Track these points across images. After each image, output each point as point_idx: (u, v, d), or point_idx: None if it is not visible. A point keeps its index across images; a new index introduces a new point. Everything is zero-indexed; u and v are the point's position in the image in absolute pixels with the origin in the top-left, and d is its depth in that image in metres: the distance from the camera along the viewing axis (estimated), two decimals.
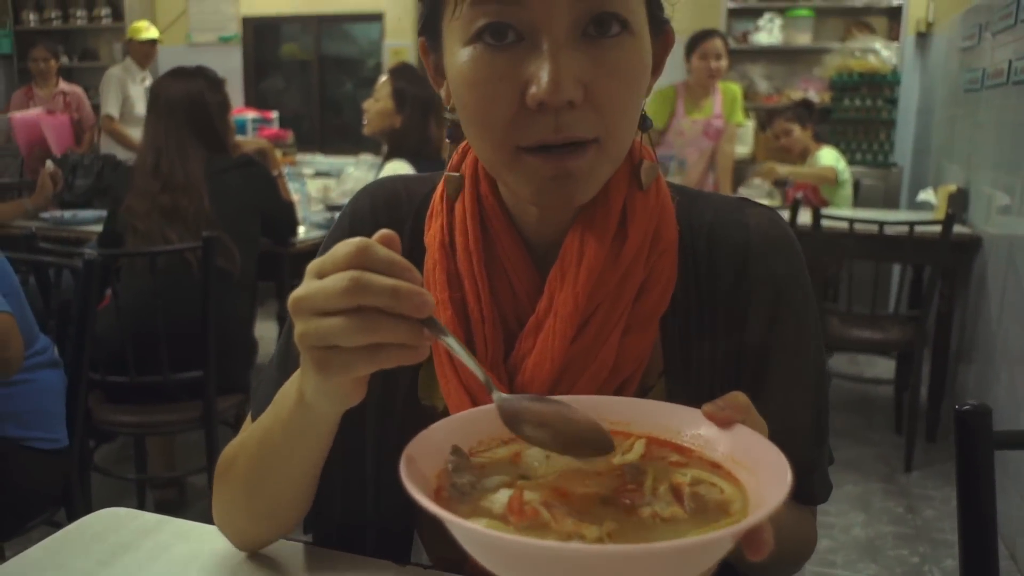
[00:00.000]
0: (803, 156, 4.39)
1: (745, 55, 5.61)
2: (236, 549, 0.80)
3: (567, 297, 0.72)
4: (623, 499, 0.53)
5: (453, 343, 0.57)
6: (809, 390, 0.80)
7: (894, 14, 5.40)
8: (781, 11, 5.49)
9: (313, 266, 0.57)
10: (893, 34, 5.41)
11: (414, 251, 0.81)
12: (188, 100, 2.58)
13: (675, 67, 5.12)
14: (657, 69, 0.75)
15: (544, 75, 0.63)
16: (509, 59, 0.65)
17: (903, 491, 3.08)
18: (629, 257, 0.74)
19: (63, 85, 5.67)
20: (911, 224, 3.20)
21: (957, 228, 3.46)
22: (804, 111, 4.41)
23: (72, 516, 1.79)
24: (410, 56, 6.38)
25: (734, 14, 5.58)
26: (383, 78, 2.99)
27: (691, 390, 0.57)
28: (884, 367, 4.45)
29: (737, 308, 0.77)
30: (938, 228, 3.18)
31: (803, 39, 5.49)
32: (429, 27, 0.74)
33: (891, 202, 4.99)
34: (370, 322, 0.53)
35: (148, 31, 5.34)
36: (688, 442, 0.58)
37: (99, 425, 2.37)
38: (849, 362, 4.65)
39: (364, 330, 0.54)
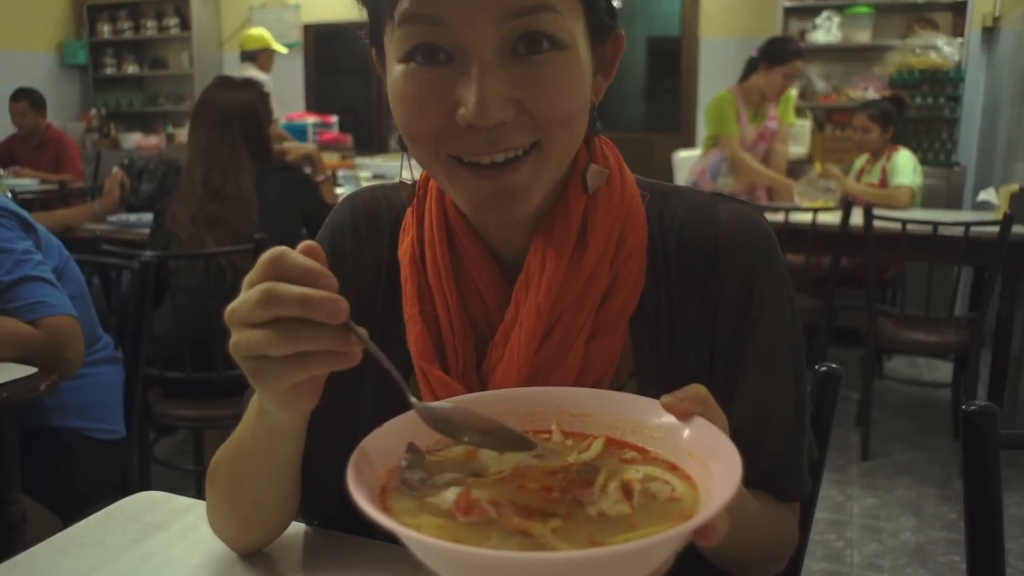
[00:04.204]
0: (875, 156, 4.17)
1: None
2: None
3: (530, 308, 0.74)
4: (572, 496, 0.53)
5: (372, 347, 0.58)
6: (786, 387, 0.80)
7: (959, 9, 5.23)
8: (839, 9, 5.38)
9: (246, 278, 0.59)
10: (958, 30, 5.25)
11: (392, 261, 0.83)
12: (244, 111, 2.62)
13: (728, 70, 5.09)
14: (609, 73, 0.76)
15: (471, 98, 0.65)
16: (439, 78, 0.67)
17: (958, 496, 3.01)
18: (591, 265, 0.75)
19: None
20: (967, 225, 3.13)
21: (1019, 228, 3.37)
22: (891, 111, 4.13)
23: None
24: None
25: (791, 12, 5.48)
26: None
27: (662, 389, 0.58)
28: (944, 371, 4.35)
29: (708, 306, 0.78)
30: (996, 229, 3.11)
31: (862, 37, 5.37)
32: (376, 40, 0.75)
33: (954, 202, 4.86)
34: (291, 332, 0.55)
35: (270, 40, 5.32)
36: (647, 436, 0.59)
37: (159, 419, 2.49)
38: (909, 365, 4.55)
39: (286, 340, 0.55)
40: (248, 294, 0.57)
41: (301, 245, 0.59)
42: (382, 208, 0.87)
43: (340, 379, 0.65)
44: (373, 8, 0.72)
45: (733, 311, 0.78)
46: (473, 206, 0.71)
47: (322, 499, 0.83)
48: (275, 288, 0.55)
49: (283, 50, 5.39)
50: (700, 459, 0.55)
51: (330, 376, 0.62)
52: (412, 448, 0.58)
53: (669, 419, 0.58)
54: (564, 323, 0.74)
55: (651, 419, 0.59)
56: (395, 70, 0.69)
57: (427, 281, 0.79)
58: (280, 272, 0.56)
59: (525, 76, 0.66)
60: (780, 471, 0.81)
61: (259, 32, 5.31)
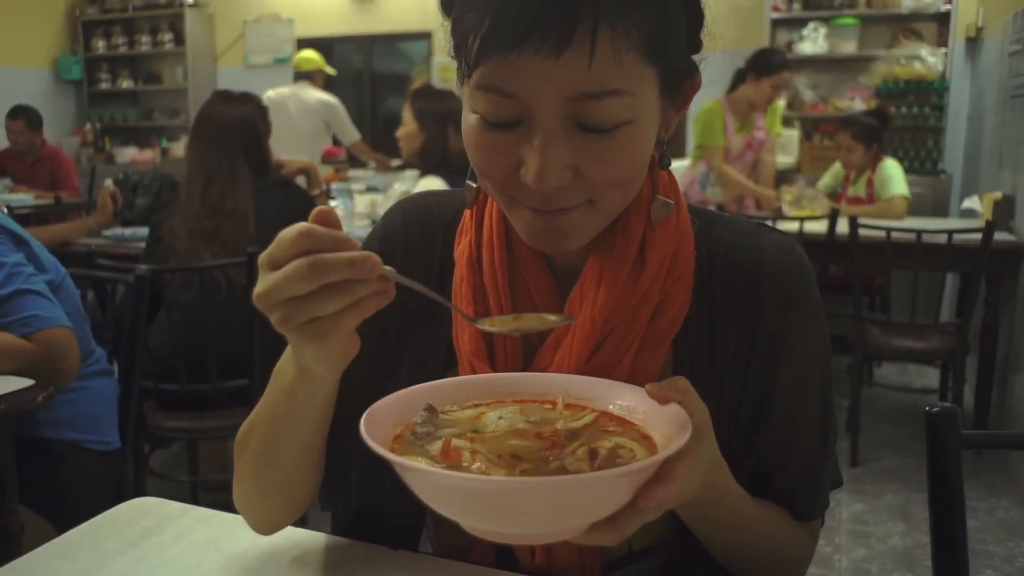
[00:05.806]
0: (860, 170, 4.21)
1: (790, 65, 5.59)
2: (248, 535, 0.87)
3: (585, 319, 0.76)
4: (543, 454, 0.62)
5: (405, 280, 0.65)
6: (813, 412, 0.83)
7: (943, 19, 5.31)
8: (826, 20, 5.45)
9: (263, 259, 0.62)
10: (942, 40, 5.33)
11: (444, 265, 0.86)
12: (242, 125, 2.66)
13: (716, 81, 5.14)
14: (683, 107, 0.77)
15: (532, 166, 0.68)
16: (506, 137, 0.70)
17: None
18: (646, 284, 0.78)
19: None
20: (950, 232, 3.18)
21: (1002, 236, 3.42)
22: (876, 127, 4.10)
23: None
24: None
25: (778, 24, 5.56)
26: (405, 104, 3.08)
27: None
28: (934, 377, 4.38)
29: (746, 328, 0.81)
30: (979, 236, 3.16)
31: (848, 48, 5.44)
32: (458, 64, 0.75)
33: (940, 210, 4.92)
34: (343, 289, 0.60)
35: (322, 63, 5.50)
36: (632, 417, 0.67)
37: (154, 431, 2.51)
38: (899, 372, 4.59)
39: (339, 298, 0.60)
40: (288, 270, 0.60)
41: (315, 213, 0.62)
42: (433, 214, 0.90)
43: (374, 360, 0.78)
44: (456, 41, 0.72)
45: (769, 336, 0.81)
46: (526, 237, 0.76)
47: (346, 479, 0.87)
48: (321, 259, 0.59)
49: (332, 71, 5.60)
50: (665, 433, 0.63)
51: (364, 356, 0.70)
52: (429, 408, 0.67)
53: (652, 403, 0.66)
54: (616, 336, 0.77)
55: (636, 403, 0.67)
56: (469, 115, 0.72)
57: (482, 282, 0.82)
58: (314, 244, 0.60)
59: (586, 148, 0.69)
60: (800, 490, 0.84)
61: (312, 55, 5.49)
